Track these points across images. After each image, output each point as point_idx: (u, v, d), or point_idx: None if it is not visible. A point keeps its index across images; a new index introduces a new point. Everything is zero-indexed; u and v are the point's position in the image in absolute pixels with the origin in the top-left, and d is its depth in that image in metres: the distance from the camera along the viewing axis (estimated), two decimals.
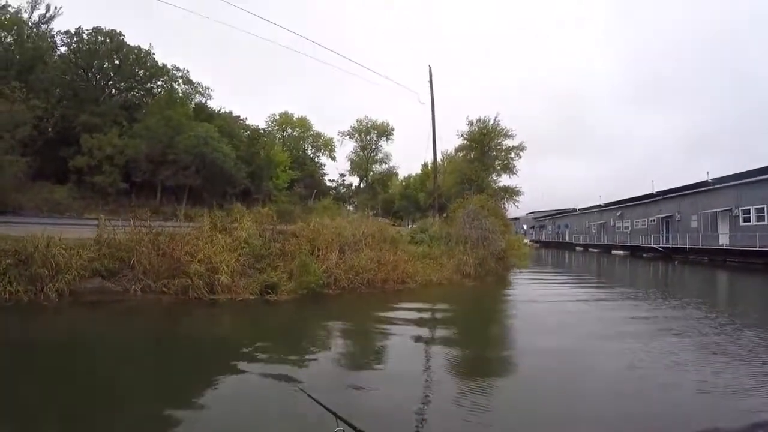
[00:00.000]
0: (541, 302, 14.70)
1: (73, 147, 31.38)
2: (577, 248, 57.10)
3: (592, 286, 21.50)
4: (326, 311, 12.15)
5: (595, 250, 51.51)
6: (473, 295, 16.06)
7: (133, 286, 12.72)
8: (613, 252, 46.42)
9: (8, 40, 32.97)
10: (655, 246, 39.28)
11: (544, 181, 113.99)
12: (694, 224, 36.85)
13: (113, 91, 36.27)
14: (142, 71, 36.68)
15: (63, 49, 35.13)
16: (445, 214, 26.55)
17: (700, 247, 33.33)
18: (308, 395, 2.55)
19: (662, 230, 41.59)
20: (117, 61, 35.10)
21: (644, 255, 40.15)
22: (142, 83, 37.47)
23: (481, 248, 20.75)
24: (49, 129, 32.88)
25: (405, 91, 52.85)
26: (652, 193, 44.70)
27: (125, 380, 6.72)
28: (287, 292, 12.86)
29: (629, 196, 49.70)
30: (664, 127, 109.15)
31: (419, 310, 12.59)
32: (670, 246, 37.27)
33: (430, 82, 30.37)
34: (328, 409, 2.15)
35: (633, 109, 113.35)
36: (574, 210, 66.04)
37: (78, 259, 12.65)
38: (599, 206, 57.51)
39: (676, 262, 33.06)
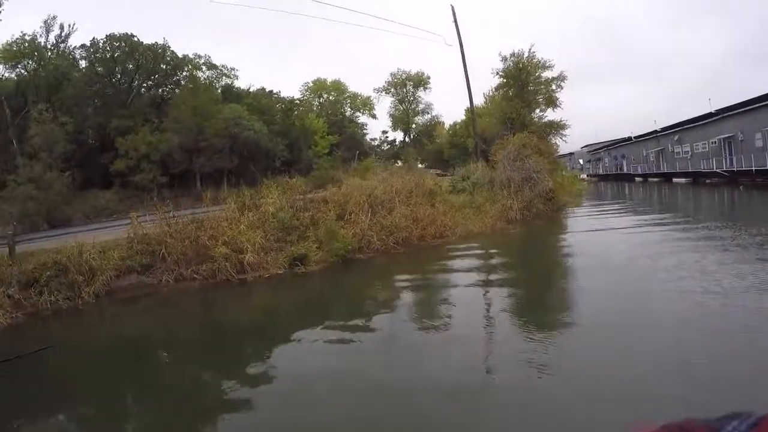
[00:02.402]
0: (585, 253, 12.11)
1: (112, 152, 32.05)
2: (636, 179, 53.64)
3: (654, 224, 16.95)
4: (339, 281, 11.55)
5: (655, 180, 48.11)
6: (511, 245, 14.64)
7: (164, 277, 12.61)
8: (674, 180, 43.05)
9: (31, 66, 34.25)
10: (718, 170, 35.79)
11: (596, 113, 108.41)
12: (759, 143, 32.61)
13: (141, 91, 36.64)
14: (163, 66, 36.76)
15: (83, 63, 35.72)
16: (487, 158, 24.95)
17: None
18: None
19: (725, 152, 37.40)
20: (135, 62, 35.25)
21: (707, 181, 36.89)
22: (166, 77, 37.62)
23: (526, 190, 19.35)
24: (89, 140, 33.84)
25: (436, 38, 50.26)
26: (711, 113, 40.33)
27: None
28: (317, 262, 12.19)
29: (686, 118, 45.59)
30: (717, 38, 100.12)
31: (440, 270, 11.63)
32: (735, 169, 33.74)
33: (455, 22, 28.64)
34: None
35: (679, 22, 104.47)
36: (630, 139, 61.73)
37: (110, 259, 12.70)
38: (655, 132, 53.30)
39: (741, 187, 29.79)
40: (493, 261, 12.57)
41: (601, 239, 13.39)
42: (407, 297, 9.20)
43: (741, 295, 7.00)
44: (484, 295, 8.92)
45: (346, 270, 11.97)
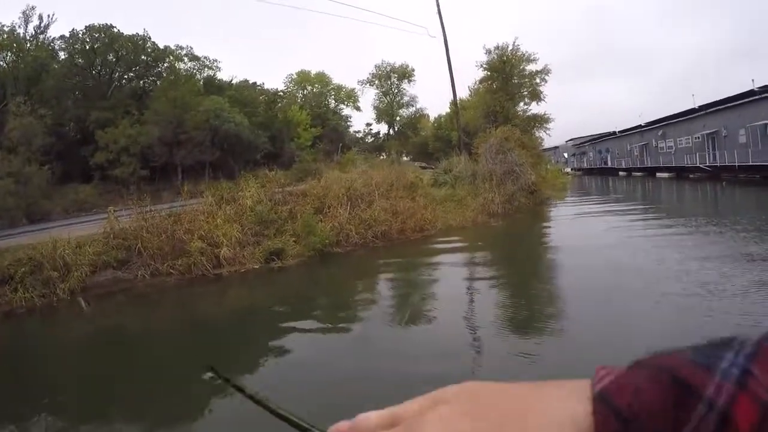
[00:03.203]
0: (566, 246, 12.11)
1: (92, 145, 31.50)
2: (620, 173, 54.04)
3: (635, 218, 16.57)
4: (316, 275, 11.45)
5: (639, 174, 48.48)
6: (490, 239, 14.58)
7: (140, 272, 12.42)
8: (658, 175, 43.40)
9: (10, 58, 33.58)
10: (701, 165, 36.10)
11: (582, 107, 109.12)
12: (742, 139, 32.88)
13: (122, 83, 36.03)
14: (144, 57, 36.12)
15: (63, 54, 34.94)
16: (470, 151, 24.91)
17: (750, 164, 29.85)
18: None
19: (708, 148, 37.61)
20: (115, 54, 34.65)
21: (690, 176, 37.23)
22: (147, 69, 36.97)
23: (508, 184, 19.36)
24: (69, 133, 33.28)
25: (420, 30, 50.01)
26: (694, 108, 40.60)
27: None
28: (293, 256, 12.07)
29: (671, 113, 45.90)
30: (701, 35, 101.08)
31: (418, 264, 11.56)
32: (718, 165, 34.03)
33: (439, 13, 28.51)
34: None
35: (665, 19, 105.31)
36: (614, 133, 62.15)
37: (85, 255, 12.51)
38: (639, 126, 53.68)
39: (724, 183, 30.09)
40: (471, 255, 12.55)
41: (581, 233, 13.40)
42: (382, 291, 9.13)
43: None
44: (463, 289, 8.88)
45: (323, 264, 11.87)
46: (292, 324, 7.60)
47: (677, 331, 5.50)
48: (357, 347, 6.42)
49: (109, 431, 5.13)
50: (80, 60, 34.03)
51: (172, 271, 12.16)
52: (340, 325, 7.58)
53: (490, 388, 0.39)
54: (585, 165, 72.19)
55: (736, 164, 31.05)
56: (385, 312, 7.82)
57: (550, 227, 16.28)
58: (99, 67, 34.83)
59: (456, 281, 9.42)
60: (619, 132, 60.43)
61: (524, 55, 29.52)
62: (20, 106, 27.97)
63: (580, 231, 13.82)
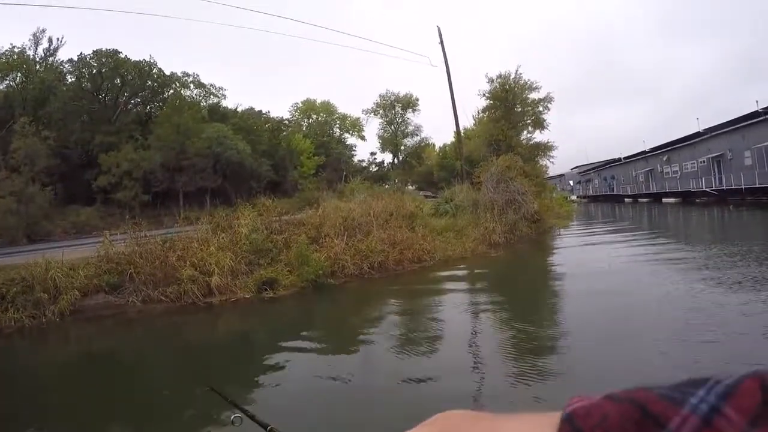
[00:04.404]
0: (565, 283, 11.69)
1: (95, 168, 31.76)
2: (626, 200, 53.72)
3: (641, 249, 16.04)
4: (307, 306, 11.27)
5: (645, 200, 48.16)
6: (489, 271, 14.05)
7: (131, 298, 12.22)
8: (664, 200, 43.10)
9: (19, 79, 34.28)
10: (707, 189, 35.77)
11: (586, 134, 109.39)
12: (748, 161, 32.74)
13: (127, 107, 36.46)
14: (150, 83, 36.66)
15: (70, 77, 35.65)
16: (472, 181, 24.71)
17: (757, 186, 29.71)
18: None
19: (714, 171, 37.49)
20: (121, 78, 35.19)
21: (697, 200, 36.86)
22: (153, 95, 37.51)
23: (510, 213, 19.11)
24: (73, 155, 33.57)
25: (423, 59, 50.63)
26: (699, 132, 40.57)
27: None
28: (286, 286, 11.80)
29: (675, 138, 45.80)
30: (703, 57, 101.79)
31: (412, 297, 11.31)
32: (724, 188, 33.70)
33: (441, 43, 28.77)
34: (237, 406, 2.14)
35: (667, 42, 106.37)
36: (619, 159, 62.04)
37: (77, 278, 12.38)
38: (644, 152, 53.57)
39: (731, 207, 29.66)
40: (466, 286, 12.35)
41: (582, 268, 12.88)
42: (372, 325, 8.81)
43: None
44: (456, 325, 8.55)
45: (316, 295, 11.58)
46: (281, 351, 7.51)
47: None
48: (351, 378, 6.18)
49: None
50: (87, 84, 34.63)
51: (163, 297, 11.95)
52: (330, 355, 7.43)
53: (467, 417, 0.42)
54: (590, 192, 72.03)
55: (743, 187, 30.74)
56: (375, 344, 7.56)
57: (550, 259, 15.92)
58: (105, 92, 35.38)
59: (450, 314, 9.10)
60: (623, 158, 60.33)
61: (526, 83, 29.51)
62: (25, 126, 28.25)
63: (582, 264, 13.32)
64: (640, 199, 50.05)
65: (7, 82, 34.39)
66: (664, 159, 47.60)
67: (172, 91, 38.19)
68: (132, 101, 37.04)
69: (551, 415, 0.36)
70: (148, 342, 9.82)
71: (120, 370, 7.78)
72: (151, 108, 38.08)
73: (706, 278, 9.82)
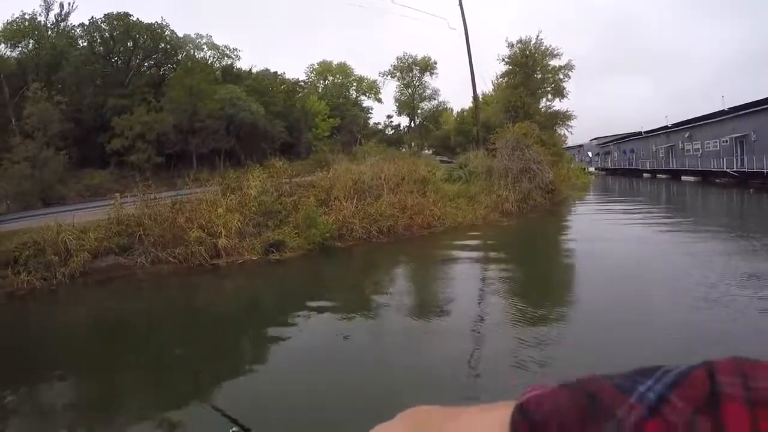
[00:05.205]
0: (574, 258, 11.21)
1: (109, 131, 31.73)
2: (644, 175, 52.42)
3: (661, 229, 14.87)
4: (313, 269, 11.11)
5: (664, 176, 46.93)
6: (499, 240, 13.78)
7: (140, 259, 12.24)
8: (683, 178, 41.86)
9: (31, 45, 34.16)
10: (728, 170, 34.54)
11: (608, 104, 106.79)
12: None
13: (141, 70, 36.16)
14: (162, 45, 36.24)
15: (82, 42, 35.21)
16: (487, 147, 24.13)
17: None
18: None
19: (736, 152, 35.84)
20: (133, 42, 34.84)
21: (717, 181, 35.74)
22: (166, 57, 37.12)
23: (524, 181, 18.67)
24: (87, 119, 33.59)
25: (441, 22, 49.07)
26: (723, 110, 38.86)
27: None
28: (293, 249, 11.66)
29: (698, 115, 44.12)
30: (732, 35, 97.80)
31: (419, 263, 11.09)
32: (746, 170, 32.45)
33: (460, 4, 27.77)
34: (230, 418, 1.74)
35: (695, 19, 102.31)
36: (640, 133, 60.32)
37: (88, 240, 12.53)
38: (666, 128, 51.86)
39: (751, 190, 28.57)
40: (475, 255, 12.01)
41: (594, 244, 11.99)
42: (372, 290, 8.65)
43: None
44: (461, 291, 8.36)
45: (322, 258, 11.48)
46: (286, 314, 7.49)
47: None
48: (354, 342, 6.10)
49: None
50: (99, 48, 34.34)
51: (171, 259, 11.97)
52: (334, 314, 7.38)
53: (436, 413, 0.44)
54: (609, 165, 70.41)
55: (765, 170, 29.59)
56: (379, 307, 7.42)
57: (563, 231, 15.50)
58: (118, 55, 35.10)
59: (457, 281, 8.90)
60: (644, 132, 58.63)
61: (548, 49, 28.55)
62: (37, 92, 28.21)
63: (594, 239, 12.50)
64: (658, 175, 48.77)
65: (20, 49, 34.31)
66: (686, 136, 45.98)
67: (185, 53, 37.72)
68: (145, 64, 36.68)
69: (509, 404, 0.37)
70: (157, 302, 9.84)
71: (129, 329, 7.87)
72: (164, 70, 37.69)
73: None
